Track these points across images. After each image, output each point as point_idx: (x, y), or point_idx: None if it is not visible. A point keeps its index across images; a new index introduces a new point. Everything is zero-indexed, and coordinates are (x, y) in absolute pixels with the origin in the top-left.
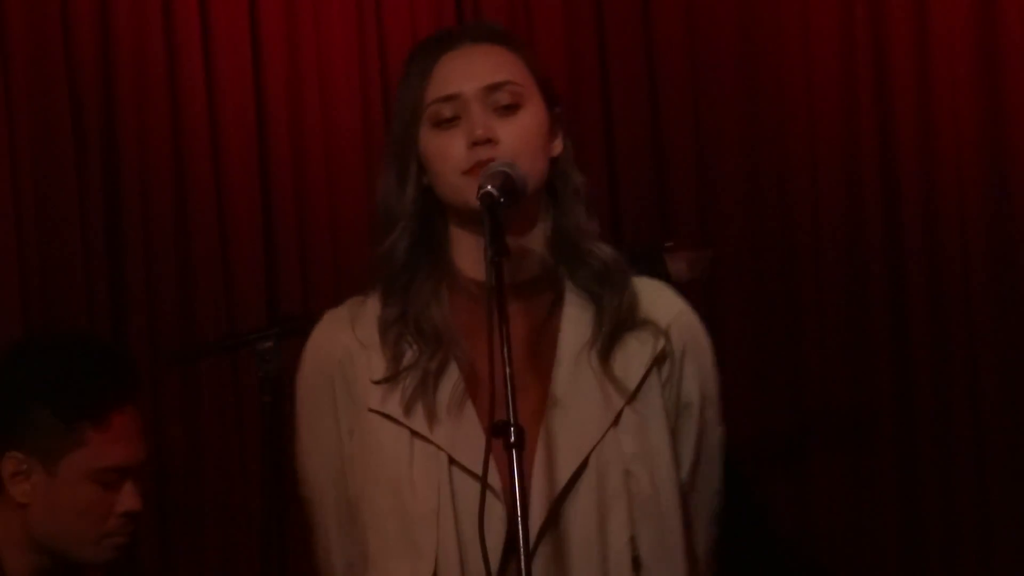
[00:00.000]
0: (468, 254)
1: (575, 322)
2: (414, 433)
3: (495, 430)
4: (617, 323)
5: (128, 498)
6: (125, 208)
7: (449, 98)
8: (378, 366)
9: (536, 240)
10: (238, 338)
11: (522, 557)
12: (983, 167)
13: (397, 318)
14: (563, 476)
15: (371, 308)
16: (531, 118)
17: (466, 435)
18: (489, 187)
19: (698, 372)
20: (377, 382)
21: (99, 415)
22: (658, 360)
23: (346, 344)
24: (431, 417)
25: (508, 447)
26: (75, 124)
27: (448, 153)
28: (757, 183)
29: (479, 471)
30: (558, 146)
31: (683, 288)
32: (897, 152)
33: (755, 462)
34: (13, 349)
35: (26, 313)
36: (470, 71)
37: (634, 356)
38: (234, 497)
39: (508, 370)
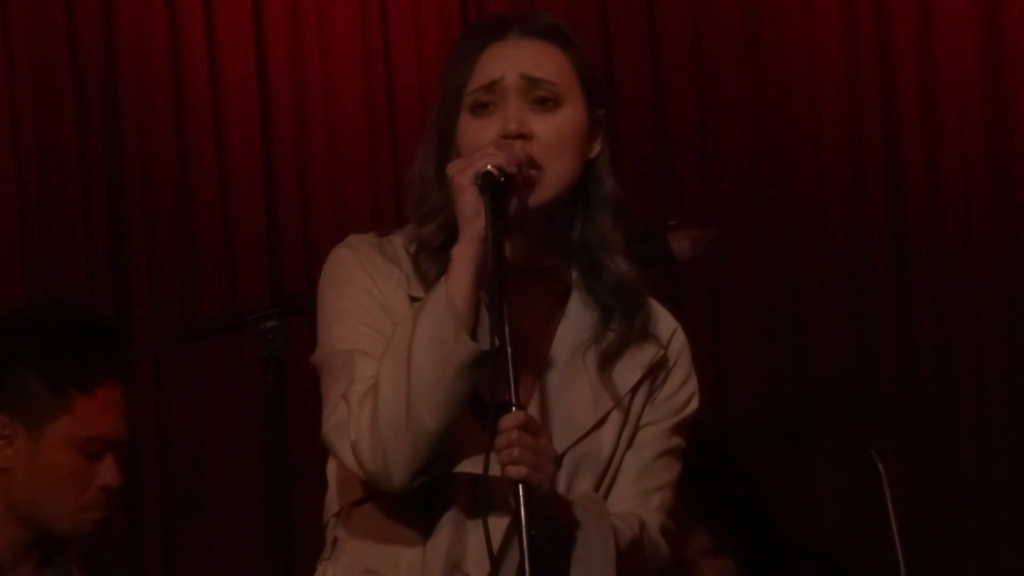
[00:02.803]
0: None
1: (576, 320)
2: None
3: (497, 410)
4: (624, 340)
5: (108, 472)
6: (127, 187)
7: (488, 85)
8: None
9: (556, 235)
10: (241, 317)
11: (525, 554)
12: (986, 141)
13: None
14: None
15: (402, 256)
16: (567, 118)
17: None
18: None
19: (683, 380)
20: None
21: (87, 384)
22: (654, 368)
23: (373, 260)
24: None
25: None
26: (77, 102)
27: (479, 140)
28: (760, 162)
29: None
30: (595, 149)
31: (686, 267)
32: (900, 129)
33: (758, 440)
34: (8, 315)
35: (28, 292)
36: (513, 60)
37: (632, 363)
38: (237, 476)
39: (509, 349)
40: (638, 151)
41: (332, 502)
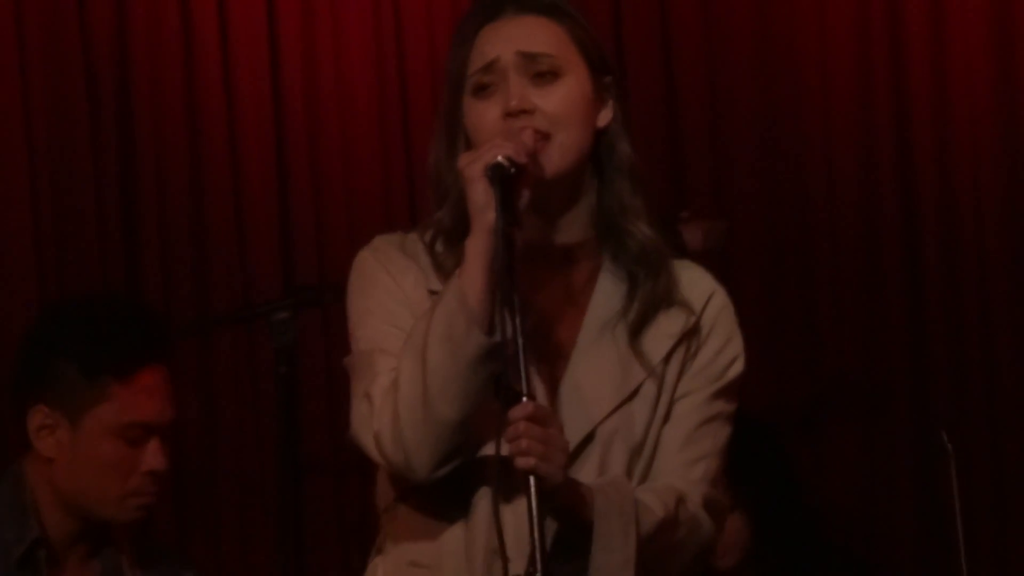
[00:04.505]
0: None
1: (607, 295)
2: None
3: (507, 400)
4: (650, 305)
5: (152, 457)
6: (140, 179)
7: (486, 67)
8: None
9: (579, 210)
10: (253, 309)
11: (537, 542)
12: (997, 135)
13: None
14: (570, 443)
15: (420, 250)
16: (569, 88)
17: None
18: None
19: (722, 346)
20: None
21: (124, 370)
22: (687, 335)
23: (393, 259)
24: None
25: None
26: (90, 95)
27: (483, 121)
28: (772, 154)
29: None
30: (606, 116)
31: (697, 259)
32: (912, 123)
33: (762, 428)
34: (47, 307)
35: (41, 285)
36: (508, 38)
37: (663, 332)
38: (249, 468)
39: (520, 340)
40: (650, 144)
41: (379, 497)
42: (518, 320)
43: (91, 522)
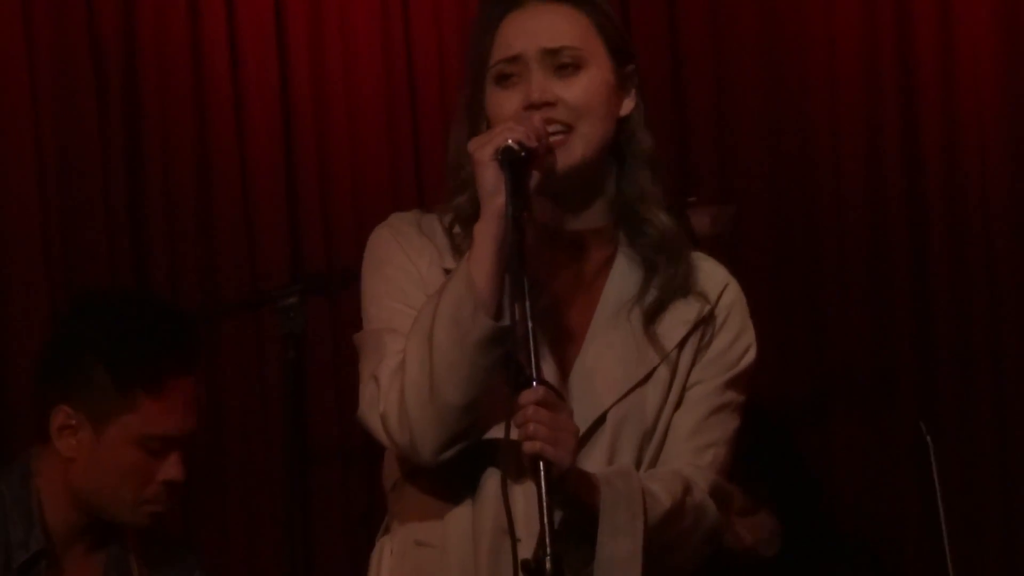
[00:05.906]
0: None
1: (622, 279)
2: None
3: (517, 384)
4: (667, 292)
5: (172, 467)
6: (147, 167)
7: (510, 59)
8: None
9: (597, 198)
10: (261, 295)
11: (546, 528)
12: (1004, 118)
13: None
14: (580, 429)
15: (437, 230)
16: (591, 80)
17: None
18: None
19: (736, 335)
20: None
21: (154, 382)
22: (701, 323)
23: (409, 237)
24: None
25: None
26: (98, 82)
27: (504, 111)
28: (778, 140)
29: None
30: (628, 105)
31: (705, 244)
32: (918, 107)
33: (775, 421)
34: (78, 301)
35: (48, 272)
36: (531, 32)
37: (678, 319)
38: (256, 454)
39: (530, 324)
40: (657, 128)
41: (386, 476)
42: (528, 304)
43: (100, 520)
